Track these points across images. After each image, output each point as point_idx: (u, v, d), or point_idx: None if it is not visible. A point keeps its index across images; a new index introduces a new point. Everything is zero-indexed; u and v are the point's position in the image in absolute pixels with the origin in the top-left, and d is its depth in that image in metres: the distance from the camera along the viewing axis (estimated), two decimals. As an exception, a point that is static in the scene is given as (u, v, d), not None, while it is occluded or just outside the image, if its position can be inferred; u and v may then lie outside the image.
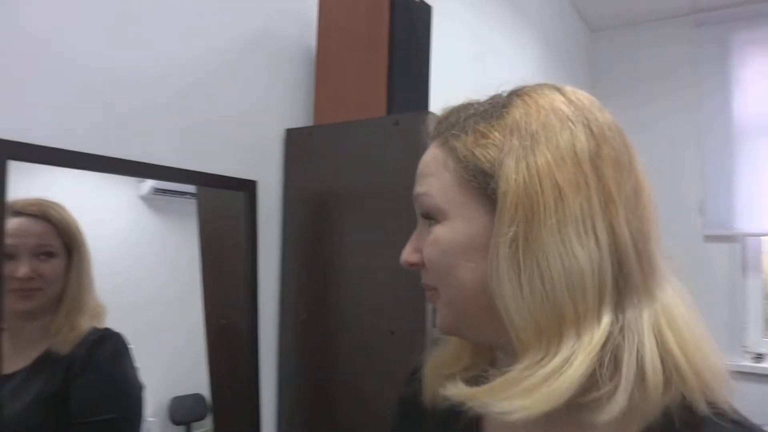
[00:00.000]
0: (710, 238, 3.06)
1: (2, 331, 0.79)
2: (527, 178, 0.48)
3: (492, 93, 0.56)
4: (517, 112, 0.51)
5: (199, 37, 1.15)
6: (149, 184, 1.03)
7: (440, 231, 0.53)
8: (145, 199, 1.03)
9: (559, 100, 0.51)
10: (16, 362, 0.84)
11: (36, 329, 0.87)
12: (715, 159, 3.09)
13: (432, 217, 0.54)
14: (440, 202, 0.53)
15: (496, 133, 0.51)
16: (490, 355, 0.59)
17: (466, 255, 0.52)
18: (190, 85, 1.14)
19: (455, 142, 0.53)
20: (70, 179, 0.91)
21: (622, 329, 0.47)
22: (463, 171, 0.52)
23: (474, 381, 0.50)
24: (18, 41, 0.88)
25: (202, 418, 1.11)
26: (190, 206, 1.12)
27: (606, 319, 0.47)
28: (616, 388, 0.45)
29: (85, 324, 0.89)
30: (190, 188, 1.11)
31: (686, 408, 0.47)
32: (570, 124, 0.49)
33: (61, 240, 0.88)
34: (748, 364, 2.85)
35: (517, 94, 0.54)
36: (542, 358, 0.47)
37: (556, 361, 0.46)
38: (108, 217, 0.99)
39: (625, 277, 0.47)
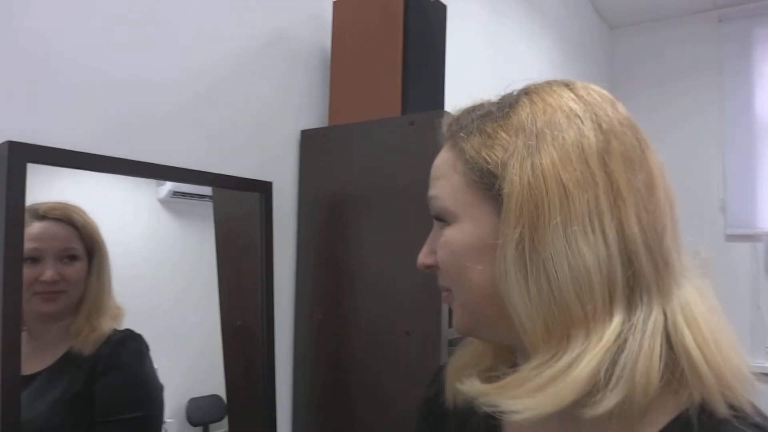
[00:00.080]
0: (732, 238, 3.01)
1: (22, 332, 0.80)
2: (531, 179, 0.47)
3: (504, 92, 0.56)
4: (523, 112, 0.51)
5: (214, 40, 1.16)
6: (167, 187, 1.03)
7: (451, 233, 0.54)
8: (163, 202, 1.04)
9: (568, 97, 0.51)
10: (37, 363, 0.86)
11: (57, 331, 0.88)
12: (737, 157, 3.05)
13: (443, 219, 0.55)
14: (450, 204, 0.53)
15: (503, 134, 0.50)
16: (512, 355, 0.59)
17: (475, 256, 0.52)
18: (206, 88, 1.14)
19: (463, 143, 0.53)
20: (90, 183, 0.92)
21: (631, 329, 0.46)
22: (470, 173, 0.51)
23: (492, 380, 0.50)
24: (38, 47, 0.89)
25: (219, 419, 1.11)
26: (208, 209, 1.12)
27: (617, 319, 0.46)
28: (608, 388, 0.44)
29: (106, 325, 0.90)
30: (208, 191, 1.11)
31: (705, 410, 0.46)
32: (577, 120, 0.49)
33: (83, 243, 0.89)
34: (771, 365, 2.80)
35: (525, 92, 0.53)
36: (551, 358, 0.46)
37: (564, 361, 0.45)
38: (127, 220, 1.00)
39: (636, 276, 0.46)
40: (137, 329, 0.95)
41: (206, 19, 1.15)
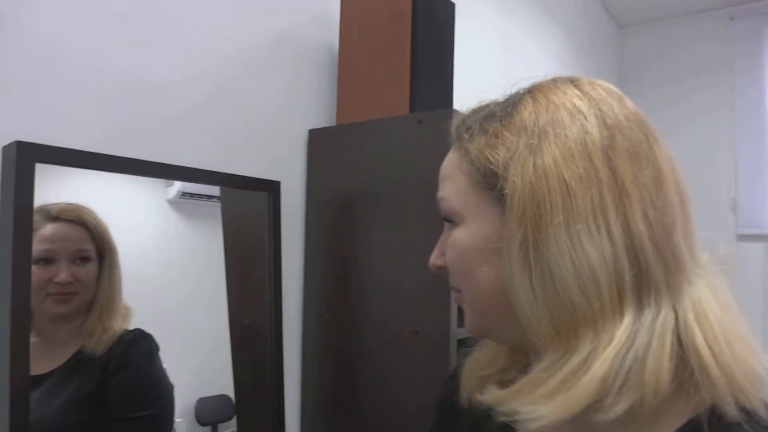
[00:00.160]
0: (743, 237, 2.98)
1: (30, 333, 0.81)
2: (533, 178, 0.47)
3: (510, 90, 0.56)
4: (525, 111, 0.50)
5: (221, 39, 1.16)
6: (176, 188, 1.04)
7: (458, 234, 0.54)
8: (171, 203, 1.04)
9: (572, 94, 0.50)
10: (48, 363, 0.86)
11: (67, 331, 0.89)
12: (748, 156, 3.02)
13: (451, 220, 0.55)
14: (456, 205, 0.54)
15: (506, 134, 0.50)
16: (527, 356, 0.58)
17: (482, 257, 0.52)
18: (214, 88, 1.14)
19: (468, 144, 0.53)
20: (98, 183, 0.92)
21: (640, 328, 0.45)
22: (475, 173, 0.52)
23: (507, 383, 0.50)
24: (45, 47, 0.90)
25: (228, 419, 1.12)
26: (216, 210, 1.12)
27: (628, 318, 0.45)
28: (619, 391, 0.44)
29: (117, 325, 0.91)
30: (216, 192, 1.12)
31: (715, 413, 0.45)
32: (581, 117, 0.48)
33: (95, 245, 0.90)
34: (785, 367, 2.77)
35: (529, 91, 0.53)
36: (561, 357, 0.46)
37: (574, 361, 0.45)
38: (136, 220, 1.01)
39: (644, 273, 0.46)
40: (146, 329, 0.96)
41: (213, 18, 1.15)
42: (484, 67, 2.03)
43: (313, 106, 1.35)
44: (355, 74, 1.26)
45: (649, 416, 0.45)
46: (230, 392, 1.12)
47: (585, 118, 0.48)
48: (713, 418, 0.45)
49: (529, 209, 0.47)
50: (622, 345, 0.44)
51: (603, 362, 0.44)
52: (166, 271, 1.04)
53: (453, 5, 1.28)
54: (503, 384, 0.50)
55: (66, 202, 0.88)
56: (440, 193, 0.56)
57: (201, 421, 1.07)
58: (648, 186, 0.47)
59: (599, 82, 0.52)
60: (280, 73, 1.28)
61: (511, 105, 0.52)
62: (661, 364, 0.44)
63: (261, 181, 1.17)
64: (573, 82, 0.52)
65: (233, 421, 1.12)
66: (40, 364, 0.83)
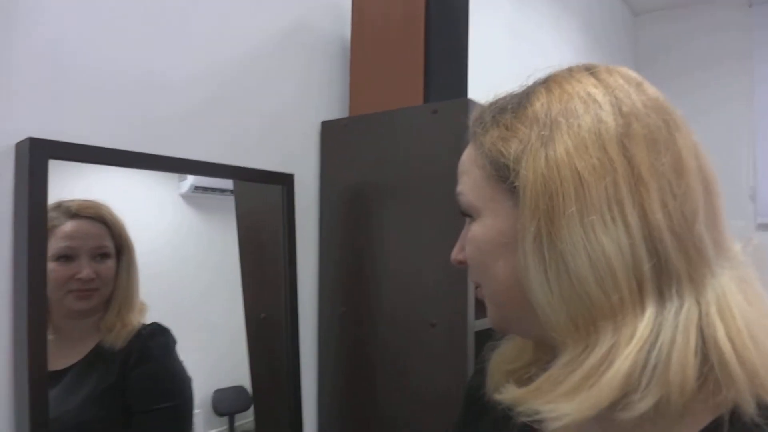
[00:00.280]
0: (763, 227, 2.94)
1: (47, 328, 0.81)
2: (545, 170, 0.46)
3: (526, 81, 0.55)
4: (538, 102, 0.50)
5: (233, 33, 1.16)
6: (189, 182, 1.04)
7: (475, 228, 0.54)
8: (185, 197, 1.05)
9: (587, 82, 0.49)
10: (66, 358, 0.87)
11: (85, 327, 0.90)
12: (767, 145, 2.97)
13: (469, 214, 0.55)
14: (473, 200, 0.54)
15: (519, 126, 0.49)
16: (553, 351, 0.57)
17: (498, 251, 0.51)
18: (225, 81, 1.14)
19: (482, 137, 0.52)
20: (111, 179, 0.93)
21: (663, 322, 0.43)
22: (489, 167, 0.51)
23: (527, 381, 0.49)
24: (57, 44, 0.89)
25: (244, 409, 1.13)
26: (229, 203, 1.13)
27: (650, 312, 0.43)
28: (645, 387, 0.42)
29: (135, 320, 0.92)
30: (229, 185, 1.12)
31: (737, 413, 0.43)
32: (595, 106, 0.47)
33: (113, 241, 0.91)
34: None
35: (543, 81, 0.52)
36: (582, 352, 0.45)
37: (595, 356, 0.44)
38: (150, 215, 1.01)
39: (664, 265, 0.44)
40: (164, 322, 0.97)
41: (225, 11, 1.14)
42: (499, 55, 2.01)
43: (325, 98, 1.34)
44: (367, 65, 1.25)
45: (675, 414, 0.43)
46: (246, 383, 1.14)
47: (600, 106, 0.47)
48: (735, 418, 0.43)
49: (541, 201, 0.46)
50: (645, 340, 0.43)
51: (626, 358, 0.42)
52: (180, 265, 1.05)
53: (467, -7, 1.26)
54: (522, 382, 0.50)
55: (83, 199, 0.88)
56: (458, 188, 0.56)
57: (218, 411, 1.08)
58: (667, 174, 0.45)
59: (618, 68, 0.51)
60: (292, 65, 1.27)
61: (524, 96, 0.51)
62: (686, 360, 0.42)
63: (274, 174, 1.17)
64: (590, 70, 0.51)
65: (250, 412, 1.14)
66: (57, 361, 0.84)
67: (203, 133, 1.10)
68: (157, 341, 0.96)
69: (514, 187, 0.48)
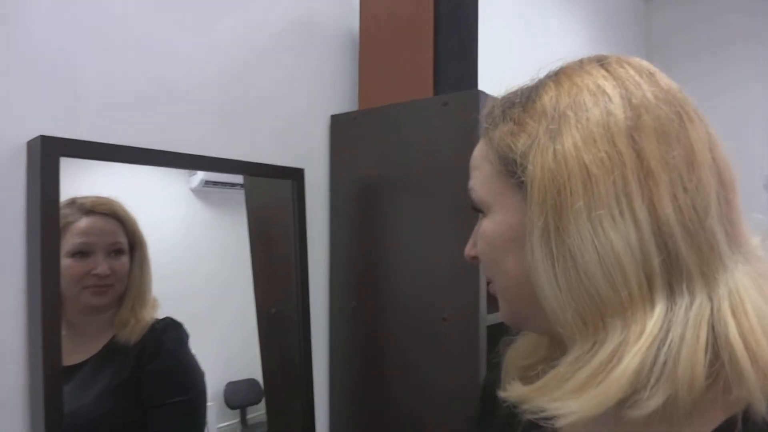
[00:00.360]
0: (779, 217, 2.89)
1: (61, 324, 0.82)
2: (553, 165, 0.45)
3: (538, 74, 0.54)
4: (547, 96, 0.49)
5: (240, 26, 1.15)
6: (199, 177, 1.04)
7: (485, 223, 0.54)
8: (195, 191, 1.05)
9: (597, 74, 0.48)
10: (80, 354, 0.88)
11: (98, 322, 0.91)
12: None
13: (480, 210, 0.55)
14: (483, 195, 0.54)
15: (528, 120, 0.49)
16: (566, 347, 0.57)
17: (507, 246, 0.51)
18: (235, 77, 1.14)
19: (492, 132, 0.52)
20: (122, 175, 0.93)
21: (673, 319, 0.43)
22: (498, 162, 0.51)
23: (533, 378, 0.49)
24: (65, 42, 0.90)
25: (256, 402, 1.13)
26: (240, 197, 1.13)
27: (660, 308, 0.43)
28: (654, 385, 0.41)
29: (148, 315, 0.93)
30: (239, 180, 1.12)
31: (749, 411, 0.42)
32: (605, 98, 0.46)
33: (127, 237, 0.92)
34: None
35: (554, 74, 0.52)
36: (590, 349, 0.44)
37: (604, 353, 0.43)
38: (161, 210, 1.01)
39: (674, 260, 0.43)
40: (176, 316, 0.97)
41: (233, 6, 1.14)
42: (509, 45, 1.99)
43: (334, 92, 1.33)
44: (377, 57, 1.24)
45: (684, 413, 0.42)
46: (258, 376, 1.14)
47: (609, 99, 0.46)
48: (748, 417, 0.42)
49: (549, 196, 0.45)
50: (655, 337, 0.42)
51: (635, 355, 0.42)
52: (192, 259, 1.05)
53: (476, -17, 1.25)
54: (528, 379, 0.49)
55: (97, 195, 0.89)
56: (470, 183, 0.56)
57: (230, 404, 1.09)
58: (678, 167, 0.44)
59: (630, 59, 0.50)
60: (300, 59, 1.26)
61: (533, 90, 0.51)
62: (695, 357, 0.41)
63: (284, 169, 1.17)
64: (601, 61, 0.50)
65: (262, 404, 1.14)
66: (71, 356, 0.85)
67: (213, 128, 1.10)
68: (170, 336, 0.97)
69: (522, 182, 0.48)
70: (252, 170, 1.11)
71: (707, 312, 0.43)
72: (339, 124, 1.29)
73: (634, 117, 0.45)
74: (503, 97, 0.54)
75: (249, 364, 1.13)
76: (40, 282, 0.79)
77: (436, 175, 1.09)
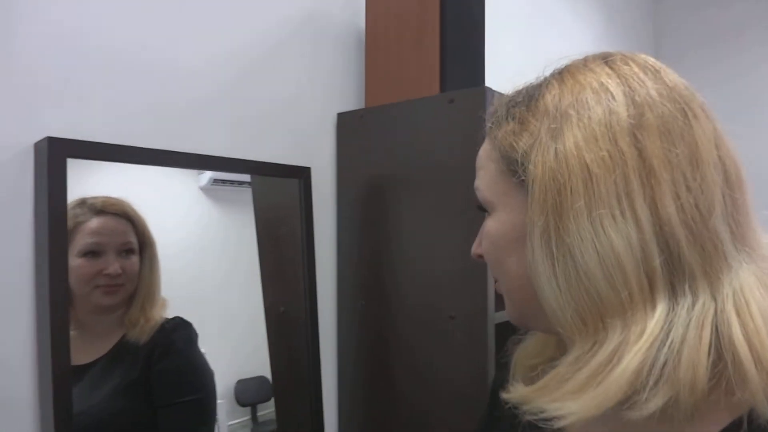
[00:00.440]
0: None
1: (70, 324, 0.82)
2: (554, 164, 0.45)
3: (543, 72, 0.54)
4: (549, 95, 0.49)
5: (245, 24, 1.15)
6: (208, 174, 1.04)
7: (490, 223, 0.54)
8: (205, 190, 1.05)
9: (601, 72, 0.48)
10: (90, 354, 0.89)
11: (109, 322, 0.91)
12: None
13: (485, 209, 0.55)
14: (487, 195, 0.54)
15: (531, 119, 0.49)
16: None
17: (510, 246, 0.51)
18: (240, 75, 1.14)
19: (496, 131, 0.52)
20: (131, 173, 0.93)
21: (675, 319, 0.42)
22: (502, 161, 0.51)
23: (535, 379, 0.48)
24: (71, 43, 0.90)
25: (267, 399, 1.14)
26: (249, 195, 1.13)
27: (661, 308, 0.42)
28: (654, 386, 0.41)
29: (158, 315, 0.94)
30: (248, 177, 1.12)
31: (753, 413, 0.42)
32: (607, 96, 0.46)
33: (137, 237, 0.92)
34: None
35: (558, 73, 0.51)
36: (589, 349, 0.44)
37: (603, 353, 0.43)
38: (170, 209, 1.02)
39: (676, 260, 0.43)
40: (185, 315, 0.98)
41: (239, 3, 1.14)
42: (516, 40, 1.97)
43: (340, 90, 1.33)
44: (383, 54, 1.23)
45: (686, 414, 0.42)
46: (268, 374, 1.14)
47: (612, 97, 0.46)
48: (752, 419, 0.42)
49: (550, 196, 0.45)
50: (656, 337, 0.41)
51: (635, 355, 0.41)
52: (202, 257, 1.06)
53: (482, -22, 1.24)
54: (530, 380, 0.49)
55: (106, 196, 0.89)
56: (475, 182, 0.56)
57: (241, 402, 1.09)
58: (682, 165, 0.43)
59: (635, 56, 0.49)
60: (306, 56, 1.26)
61: (537, 89, 0.51)
62: (697, 358, 0.41)
63: (291, 168, 1.17)
64: (605, 59, 0.49)
65: (272, 402, 1.14)
66: (82, 355, 0.86)
67: (219, 127, 1.10)
68: (180, 335, 0.97)
69: (524, 182, 0.48)
70: (258, 169, 1.11)
71: (711, 312, 0.42)
72: (345, 122, 1.29)
73: (637, 115, 0.44)
74: (508, 96, 0.54)
75: (259, 362, 1.13)
76: (48, 282, 0.79)
77: (443, 172, 1.09)
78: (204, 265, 1.06)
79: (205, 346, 0.99)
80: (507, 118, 0.51)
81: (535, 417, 0.45)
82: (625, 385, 0.41)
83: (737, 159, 0.47)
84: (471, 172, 0.57)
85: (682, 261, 0.43)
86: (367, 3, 1.26)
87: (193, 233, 1.04)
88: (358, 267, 1.25)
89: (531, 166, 0.47)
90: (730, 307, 0.42)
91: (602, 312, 0.43)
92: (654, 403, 0.41)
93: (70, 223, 0.84)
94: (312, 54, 1.27)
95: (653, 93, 0.45)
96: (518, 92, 0.53)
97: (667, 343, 0.41)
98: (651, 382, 0.41)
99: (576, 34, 2.40)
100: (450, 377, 1.07)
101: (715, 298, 0.43)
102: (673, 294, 0.43)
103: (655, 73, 0.47)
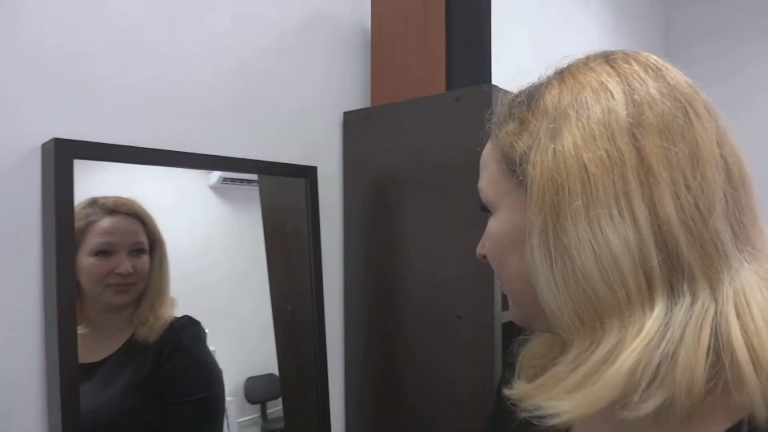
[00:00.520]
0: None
1: (76, 324, 0.83)
2: (552, 164, 0.45)
3: (546, 72, 0.54)
4: (549, 95, 0.49)
5: (252, 25, 1.15)
6: (217, 173, 1.05)
7: (492, 223, 0.54)
8: (214, 188, 1.05)
9: (602, 71, 0.47)
10: (100, 352, 0.90)
11: (118, 321, 0.92)
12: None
13: (488, 210, 0.55)
14: (490, 195, 0.54)
15: (531, 119, 0.49)
16: None
17: (513, 246, 0.51)
18: (246, 75, 1.14)
19: (498, 131, 0.53)
20: (141, 172, 0.94)
21: (672, 319, 0.41)
22: (503, 161, 0.51)
23: (536, 377, 0.49)
24: (76, 43, 0.90)
25: (276, 396, 1.14)
26: (258, 193, 1.13)
27: (659, 308, 0.42)
28: (649, 387, 0.40)
29: (167, 313, 0.95)
30: (256, 176, 1.12)
31: (753, 420, 0.41)
32: (607, 95, 0.45)
33: (147, 237, 0.93)
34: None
35: (559, 72, 0.51)
36: (587, 348, 0.43)
37: (600, 352, 0.42)
38: (180, 208, 1.02)
39: (674, 260, 0.42)
40: (194, 313, 0.98)
41: (244, 3, 1.14)
42: (524, 38, 1.96)
43: (346, 88, 1.33)
44: (388, 53, 1.23)
45: (682, 416, 0.41)
46: (277, 371, 1.15)
47: (611, 96, 0.45)
48: (753, 426, 0.41)
49: (548, 196, 0.45)
50: (652, 337, 0.41)
51: (630, 354, 0.41)
52: (212, 256, 1.06)
53: (489, -25, 1.23)
54: (532, 378, 0.49)
55: (117, 196, 0.90)
56: (479, 183, 0.56)
57: (250, 399, 1.10)
58: (681, 164, 0.43)
59: (637, 55, 0.49)
60: (311, 55, 1.26)
61: (538, 89, 0.51)
62: (695, 359, 0.40)
63: (297, 167, 1.17)
64: (607, 57, 0.49)
65: (281, 399, 1.15)
66: (92, 354, 0.87)
67: (225, 127, 1.10)
68: (189, 333, 0.98)
69: (523, 182, 0.48)
70: (265, 169, 1.11)
71: (711, 313, 0.42)
72: (351, 121, 1.28)
73: (636, 114, 0.44)
74: (511, 96, 0.54)
75: (268, 360, 1.14)
76: (55, 284, 0.80)
77: (449, 170, 1.09)
78: (214, 263, 1.06)
79: (213, 344, 0.99)
80: (508, 118, 0.52)
81: (531, 414, 0.45)
82: (620, 384, 0.40)
83: (742, 157, 0.46)
84: (477, 171, 0.57)
85: (680, 261, 0.42)
86: (372, 2, 1.26)
87: (202, 232, 1.05)
88: (365, 265, 1.25)
89: (530, 167, 0.47)
90: (730, 308, 0.42)
91: (600, 312, 0.43)
92: (650, 403, 0.40)
93: (81, 222, 0.85)
94: (318, 53, 1.27)
95: (653, 91, 0.45)
96: (520, 92, 0.53)
97: (663, 343, 0.41)
98: (645, 383, 0.40)
99: (585, 27, 2.38)
100: (456, 375, 1.07)
101: (715, 299, 0.42)
102: (672, 294, 0.42)
103: (657, 71, 0.47)
